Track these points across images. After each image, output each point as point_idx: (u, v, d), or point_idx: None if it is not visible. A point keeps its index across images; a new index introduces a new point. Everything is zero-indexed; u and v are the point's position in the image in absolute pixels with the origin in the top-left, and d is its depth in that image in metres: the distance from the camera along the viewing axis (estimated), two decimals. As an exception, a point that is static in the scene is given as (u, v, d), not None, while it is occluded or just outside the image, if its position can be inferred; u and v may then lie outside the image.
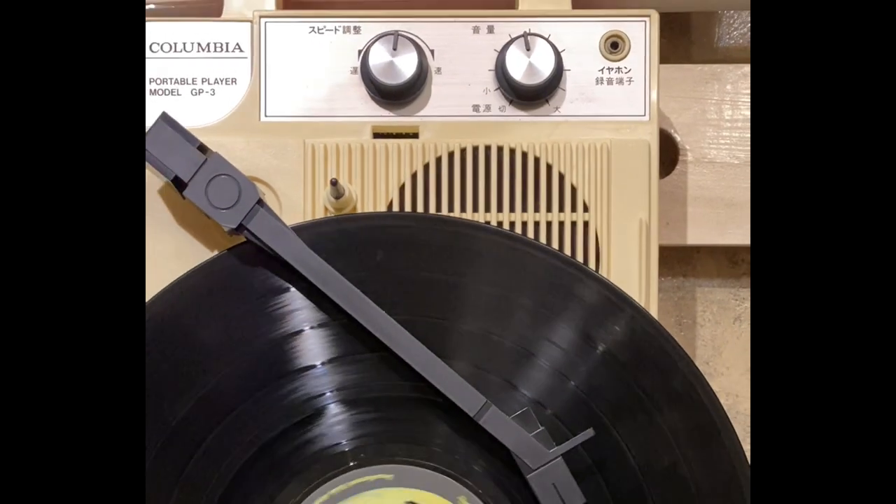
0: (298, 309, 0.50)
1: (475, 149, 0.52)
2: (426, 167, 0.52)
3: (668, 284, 0.62)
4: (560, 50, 0.52)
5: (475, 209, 0.52)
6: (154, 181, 0.51)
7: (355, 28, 0.53)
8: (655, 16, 0.52)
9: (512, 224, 0.52)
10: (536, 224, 0.52)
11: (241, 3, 0.54)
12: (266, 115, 0.53)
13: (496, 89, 0.53)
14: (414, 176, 0.52)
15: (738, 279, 0.63)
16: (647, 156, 0.52)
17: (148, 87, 0.53)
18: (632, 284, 0.52)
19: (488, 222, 0.52)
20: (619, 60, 0.53)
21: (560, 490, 0.48)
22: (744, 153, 0.58)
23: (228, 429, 0.50)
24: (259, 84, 0.53)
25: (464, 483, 0.49)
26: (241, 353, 0.50)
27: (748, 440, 0.61)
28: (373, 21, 0.53)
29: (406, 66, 0.52)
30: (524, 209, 0.52)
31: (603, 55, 0.53)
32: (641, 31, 0.53)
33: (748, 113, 0.58)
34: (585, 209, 0.52)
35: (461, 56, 0.53)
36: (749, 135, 0.58)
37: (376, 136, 0.53)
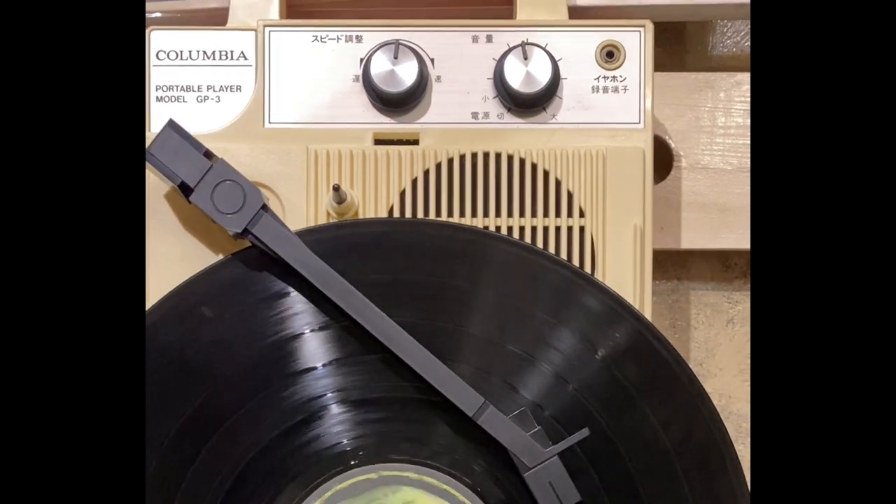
0: (301, 312, 0.51)
1: (474, 155, 0.53)
2: (426, 173, 0.53)
3: (662, 287, 0.63)
4: (557, 59, 0.53)
5: (474, 214, 0.53)
6: (160, 185, 0.52)
7: (357, 37, 0.53)
8: (650, 26, 0.53)
9: (510, 229, 0.52)
10: (534, 229, 0.53)
11: (246, 13, 0.54)
12: (270, 122, 0.53)
13: (495, 97, 0.53)
14: (414, 182, 0.53)
15: (730, 283, 0.63)
16: (641, 163, 0.53)
17: (154, 94, 0.53)
18: (626, 288, 0.52)
19: (487, 227, 0.52)
20: (614, 69, 0.53)
21: (556, 488, 0.49)
22: (736, 159, 0.59)
23: (232, 429, 0.50)
24: (263, 91, 0.53)
25: (463, 481, 0.50)
26: (245, 354, 0.50)
27: (740, 440, 0.62)
28: (374, 30, 0.53)
29: (407, 74, 0.52)
30: (522, 214, 0.53)
31: (599, 64, 0.54)
32: (636, 41, 0.53)
33: (741, 120, 0.59)
34: (581, 214, 0.53)
35: (461, 64, 0.53)
36: (742, 141, 0.59)
37: (377, 142, 0.53)
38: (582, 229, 0.53)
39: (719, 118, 0.60)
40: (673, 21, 0.61)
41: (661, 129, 0.59)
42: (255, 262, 0.51)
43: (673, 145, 0.59)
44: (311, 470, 0.50)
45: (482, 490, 0.50)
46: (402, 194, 0.53)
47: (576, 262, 0.52)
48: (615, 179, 0.53)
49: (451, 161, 0.53)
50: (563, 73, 0.53)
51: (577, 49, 0.53)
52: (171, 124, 0.50)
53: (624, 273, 0.53)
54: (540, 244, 0.52)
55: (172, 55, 0.54)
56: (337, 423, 0.50)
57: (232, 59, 0.54)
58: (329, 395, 0.50)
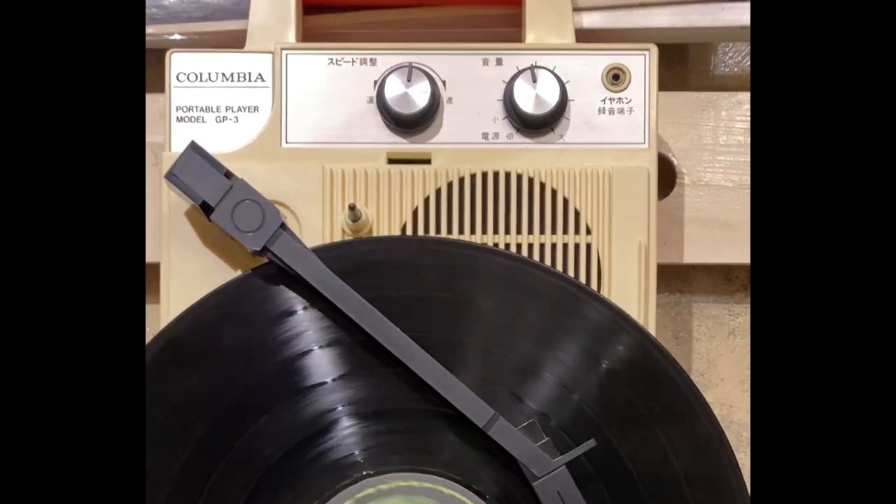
0: (317, 327, 0.52)
1: (484, 174, 0.54)
2: (438, 192, 0.54)
3: (665, 300, 0.63)
4: (565, 81, 0.54)
5: (484, 232, 0.54)
6: (180, 203, 0.54)
7: (371, 60, 0.55)
8: (654, 50, 0.55)
9: (519, 246, 0.54)
10: (542, 246, 0.54)
11: (264, 36, 0.55)
12: (287, 142, 0.55)
13: (504, 118, 0.55)
14: (427, 200, 0.54)
15: (731, 295, 0.64)
16: (646, 182, 0.54)
17: (175, 114, 0.55)
18: (631, 303, 0.54)
19: (497, 244, 0.54)
20: (620, 91, 0.55)
21: (564, 497, 0.50)
22: (737, 176, 0.60)
23: (248, 441, 0.51)
24: (280, 112, 0.55)
25: (473, 490, 0.51)
26: (263, 368, 0.51)
27: (741, 448, 0.63)
28: (388, 53, 0.54)
29: (419, 96, 0.54)
30: (530, 232, 0.54)
31: (605, 86, 0.55)
32: (641, 64, 0.55)
33: (741, 138, 0.60)
34: (588, 232, 0.54)
35: (471, 86, 0.55)
36: (742, 159, 0.60)
37: (391, 161, 0.55)
38: (589, 246, 0.54)
39: (721, 136, 0.61)
40: (676, 43, 0.62)
41: (665, 147, 0.60)
42: (272, 278, 0.52)
43: (676, 163, 0.60)
44: (324, 481, 0.51)
45: (491, 497, 0.51)
46: (415, 212, 0.54)
47: (582, 277, 0.54)
48: (621, 198, 0.54)
49: (462, 180, 0.54)
50: (570, 95, 0.55)
51: (584, 72, 0.55)
52: (193, 146, 0.52)
53: (629, 288, 0.54)
54: (548, 261, 0.54)
55: (192, 77, 0.55)
56: (350, 435, 0.52)
57: (250, 80, 0.55)
58: (341, 407, 0.52)
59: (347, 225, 0.54)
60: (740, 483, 0.52)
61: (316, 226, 0.54)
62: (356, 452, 0.52)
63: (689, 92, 0.61)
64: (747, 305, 0.64)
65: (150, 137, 0.59)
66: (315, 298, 0.52)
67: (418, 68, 0.54)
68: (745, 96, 0.60)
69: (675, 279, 0.64)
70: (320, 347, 0.52)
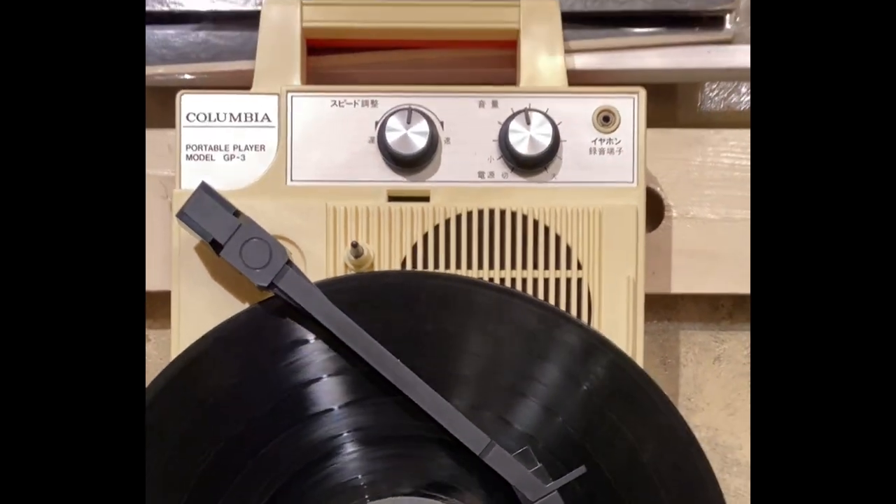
0: (320, 358, 0.54)
1: (480, 212, 0.56)
2: (436, 228, 0.56)
3: (653, 328, 0.65)
4: (557, 122, 0.56)
5: (480, 266, 0.56)
6: (190, 239, 0.56)
7: (373, 102, 0.57)
8: (643, 93, 0.57)
9: (513, 280, 0.56)
10: (535, 280, 0.56)
11: (270, 78, 0.58)
12: (292, 180, 0.57)
13: (499, 158, 0.57)
14: (425, 236, 0.56)
15: (717, 323, 0.65)
16: (634, 220, 0.56)
17: (185, 152, 0.57)
18: (620, 334, 0.56)
19: (492, 279, 0.56)
20: (610, 132, 0.57)
21: (556, 520, 0.52)
22: (723, 210, 0.62)
23: (256, 467, 0.53)
24: (286, 151, 0.57)
25: (469, 513, 0.53)
26: (268, 397, 0.53)
27: (726, 469, 0.65)
28: (388, 95, 0.56)
29: (418, 137, 0.56)
30: (524, 267, 0.56)
31: (596, 128, 0.57)
32: (630, 107, 0.57)
33: (727, 173, 0.62)
34: (579, 267, 0.56)
35: (468, 128, 0.57)
36: (727, 193, 0.62)
37: (391, 199, 0.57)
38: (580, 281, 0.56)
39: (707, 171, 0.62)
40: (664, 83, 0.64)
41: (654, 182, 0.62)
42: (278, 311, 0.54)
43: (664, 196, 0.62)
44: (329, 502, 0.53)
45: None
46: (414, 247, 0.56)
47: (573, 310, 0.56)
48: (610, 235, 0.56)
49: (459, 217, 0.56)
50: (562, 136, 0.57)
51: (575, 113, 0.57)
52: (204, 186, 0.54)
53: (618, 320, 0.56)
54: (541, 295, 0.56)
55: (202, 117, 0.57)
56: (352, 461, 0.54)
57: (257, 121, 0.57)
58: (345, 434, 0.54)
59: (350, 260, 0.56)
60: (719, 493, 0.54)
61: (320, 260, 0.56)
62: (359, 476, 0.54)
63: (677, 129, 0.63)
64: (733, 332, 0.65)
65: (159, 171, 0.62)
66: (318, 330, 0.54)
67: (417, 110, 0.56)
68: (731, 133, 0.62)
69: (664, 307, 0.65)
70: (324, 378, 0.54)
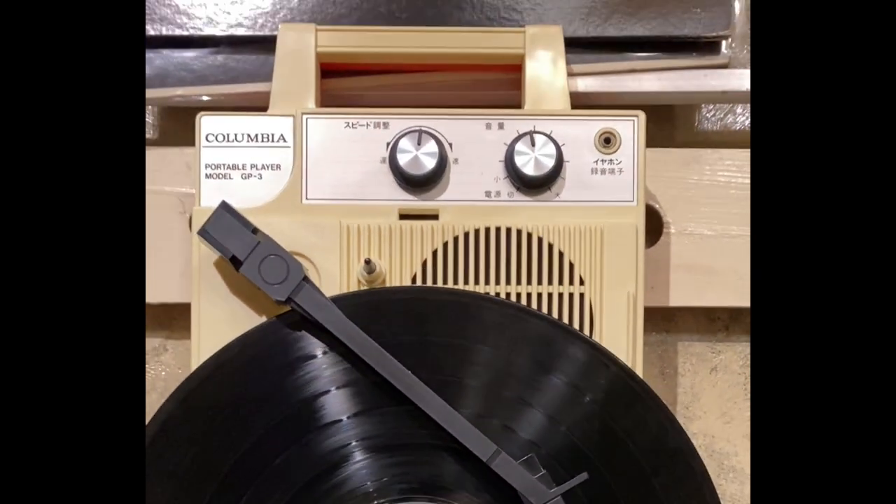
0: (334, 369, 0.56)
1: (487, 230, 0.58)
2: (445, 245, 0.58)
3: (652, 339, 0.66)
4: (560, 144, 0.58)
5: (487, 282, 0.58)
6: (210, 254, 0.58)
7: (384, 124, 0.59)
8: (643, 116, 0.59)
9: (518, 295, 0.58)
10: (539, 295, 0.58)
11: (286, 100, 0.59)
12: (307, 198, 0.59)
13: (505, 178, 0.59)
14: (434, 253, 0.58)
15: (714, 334, 0.67)
16: (634, 237, 0.58)
17: (204, 171, 0.59)
18: (620, 346, 0.58)
19: (498, 294, 0.58)
20: (611, 153, 0.59)
21: (560, 524, 0.54)
22: (720, 226, 0.64)
23: (271, 475, 0.55)
24: (301, 171, 0.59)
25: (476, 518, 0.55)
26: (285, 407, 0.55)
27: (722, 475, 0.66)
28: (400, 117, 0.58)
29: (428, 158, 0.58)
30: (529, 282, 0.58)
31: (597, 149, 0.59)
32: (631, 129, 0.59)
33: (723, 191, 0.64)
34: (581, 282, 0.58)
35: (476, 149, 0.59)
36: (723, 210, 0.63)
37: (402, 217, 0.58)
38: (582, 296, 0.58)
39: (704, 189, 0.64)
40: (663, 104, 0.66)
41: (653, 199, 0.64)
42: (295, 325, 0.56)
43: (663, 213, 0.64)
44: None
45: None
46: (424, 264, 0.58)
47: (576, 323, 0.58)
48: (611, 252, 0.58)
49: (466, 234, 0.58)
50: (565, 157, 0.58)
51: (578, 135, 0.59)
52: (224, 205, 0.56)
53: (618, 333, 0.58)
54: (544, 309, 0.58)
55: (220, 137, 0.59)
56: (363, 468, 0.55)
57: (273, 141, 0.59)
58: (355, 442, 0.55)
59: (363, 276, 0.58)
60: (706, 481, 0.56)
61: (334, 276, 0.58)
62: (368, 483, 0.56)
63: (675, 149, 0.64)
64: (729, 344, 0.67)
65: (177, 188, 0.64)
66: (333, 343, 0.56)
67: (427, 132, 0.58)
68: (727, 152, 0.64)
69: (662, 320, 0.67)
70: (338, 388, 0.56)
